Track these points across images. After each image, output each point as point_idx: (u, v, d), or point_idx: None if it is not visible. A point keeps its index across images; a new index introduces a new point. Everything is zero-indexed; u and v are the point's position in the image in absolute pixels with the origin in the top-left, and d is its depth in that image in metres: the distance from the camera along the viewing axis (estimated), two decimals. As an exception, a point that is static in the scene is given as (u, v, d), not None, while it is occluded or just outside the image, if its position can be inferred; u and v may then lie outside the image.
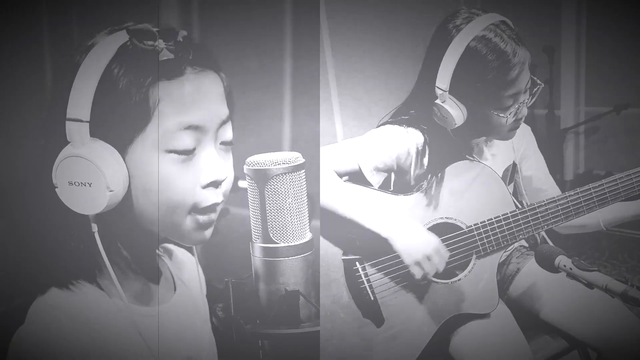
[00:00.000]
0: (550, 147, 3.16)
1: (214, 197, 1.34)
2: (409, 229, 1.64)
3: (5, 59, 1.66)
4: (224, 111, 1.36)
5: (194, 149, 1.31)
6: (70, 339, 1.27)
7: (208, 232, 1.37)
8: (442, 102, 1.66)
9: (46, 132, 1.33)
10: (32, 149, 1.38)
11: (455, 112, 1.67)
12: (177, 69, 1.30)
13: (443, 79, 1.64)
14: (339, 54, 2.72)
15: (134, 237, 1.37)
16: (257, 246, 1.30)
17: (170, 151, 1.29)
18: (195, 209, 1.33)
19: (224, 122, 1.36)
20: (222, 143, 1.36)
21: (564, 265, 1.47)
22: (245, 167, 1.31)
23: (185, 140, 1.30)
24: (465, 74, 1.64)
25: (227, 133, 1.37)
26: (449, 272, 1.72)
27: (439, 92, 1.65)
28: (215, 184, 1.34)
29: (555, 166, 1.95)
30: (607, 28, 3.13)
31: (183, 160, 1.30)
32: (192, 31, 1.39)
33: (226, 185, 1.37)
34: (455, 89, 1.65)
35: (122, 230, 1.36)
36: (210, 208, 1.34)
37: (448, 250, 1.68)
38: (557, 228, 1.81)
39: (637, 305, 1.34)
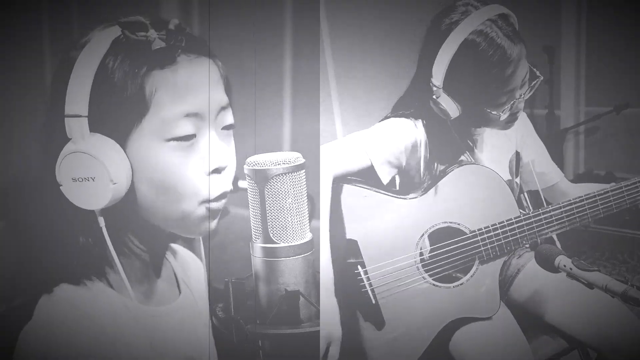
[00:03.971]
0: (550, 147, 3.16)
1: (220, 184, 1.35)
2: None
3: (5, 57, 1.66)
4: (223, 98, 1.37)
5: (195, 135, 1.31)
6: (76, 335, 1.28)
7: (214, 223, 1.37)
8: (437, 98, 1.66)
9: (47, 132, 1.34)
10: (34, 149, 1.38)
11: (450, 107, 1.67)
12: (170, 57, 1.30)
13: (437, 75, 1.64)
14: (339, 54, 2.71)
15: (141, 233, 1.37)
16: (257, 246, 1.30)
17: (171, 139, 1.30)
18: (205, 198, 1.33)
19: (223, 109, 1.36)
20: (224, 128, 1.37)
21: (564, 266, 1.47)
22: (245, 167, 1.31)
23: (185, 127, 1.30)
24: (461, 70, 1.63)
25: (228, 118, 1.38)
26: (451, 276, 1.72)
27: (433, 88, 1.65)
28: (218, 171, 1.34)
29: (555, 166, 1.95)
30: (607, 28, 3.13)
31: (185, 148, 1.31)
32: (191, 30, 1.39)
33: (230, 172, 1.37)
34: (449, 85, 1.65)
35: (129, 226, 1.36)
36: (220, 196, 1.35)
37: (450, 255, 1.69)
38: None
39: (637, 305, 1.34)
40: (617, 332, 1.70)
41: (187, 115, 1.30)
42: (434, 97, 1.66)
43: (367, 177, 1.73)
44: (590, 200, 1.69)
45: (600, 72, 3.21)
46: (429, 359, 1.70)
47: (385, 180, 1.72)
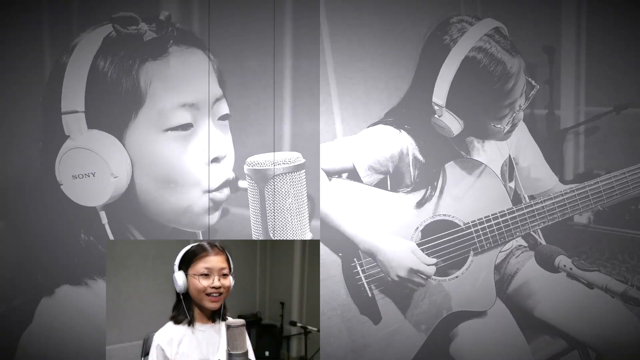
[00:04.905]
0: (550, 147, 3.16)
1: (221, 173, 1.35)
2: (387, 243, 1.64)
3: (5, 57, 1.66)
4: (217, 90, 1.37)
5: (192, 124, 1.32)
6: (77, 337, 1.28)
7: (216, 215, 1.37)
8: (440, 116, 1.66)
9: (45, 132, 1.34)
10: (34, 149, 1.38)
11: (453, 125, 1.67)
12: (163, 47, 1.31)
13: (440, 94, 1.63)
14: (339, 54, 2.72)
15: (144, 229, 1.37)
16: (257, 246, 1.30)
17: (168, 129, 1.30)
18: (206, 187, 1.34)
19: (218, 99, 1.37)
20: (220, 118, 1.38)
21: (564, 266, 1.47)
22: (245, 167, 1.31)
23: (182, 117, 1.31)
24: (464, 87, 1.63)
25: (223, 108, 1.38)
26: (446, 269, 1.72)
27: (435, 107, 1.65)
28: (218, 160, 1.35)
29: (555, 166, 1.95)
30: (607, 28, 3.13)
31: (183, 138, 1.31)
32: (192, 29, 1.39)
33: (229, 162, 1.38)
34: (452, 103, 1.65)
35: (131, 223, 1.36)
36: (223, 185, 1.35)
37: (446, 247, 1.69)
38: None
39: (637, 305, 1.34)
40: (616, 333, 1.71)
41: (184, 105, 1.31)
42: (437, 115, 1.66)
43: (352, 179, 1.75)
44: (580, 191, 1.70)
45: (600, 72, 3.22)
46: (428, 354, 1.70)
47: (367, 182, 1.73)
